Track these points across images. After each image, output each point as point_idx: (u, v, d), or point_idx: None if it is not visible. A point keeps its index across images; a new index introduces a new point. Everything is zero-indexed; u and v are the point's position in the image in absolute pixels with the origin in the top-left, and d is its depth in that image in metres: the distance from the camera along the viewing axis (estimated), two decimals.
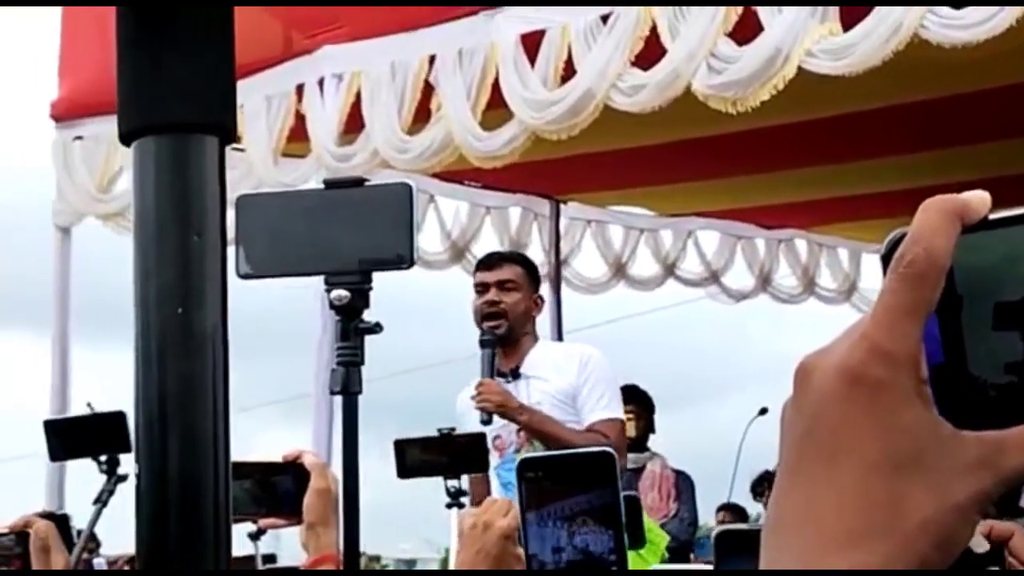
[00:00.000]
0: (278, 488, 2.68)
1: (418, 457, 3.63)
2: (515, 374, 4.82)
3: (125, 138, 1.06)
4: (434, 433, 3.77)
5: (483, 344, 4.79)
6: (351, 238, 2.27)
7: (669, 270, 8.82)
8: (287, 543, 2.88)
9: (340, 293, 2.28)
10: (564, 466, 1.86)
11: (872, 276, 9.41)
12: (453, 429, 3.84)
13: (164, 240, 1.04)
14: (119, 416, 3.62)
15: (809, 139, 6.73)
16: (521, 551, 2.48)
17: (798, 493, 0.68)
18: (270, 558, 4.76)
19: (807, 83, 4.90)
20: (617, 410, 4.76)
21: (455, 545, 2.65)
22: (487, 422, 4.64)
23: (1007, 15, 4.43)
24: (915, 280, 0.67)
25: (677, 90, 5.01)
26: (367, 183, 2.33)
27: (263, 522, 2.80)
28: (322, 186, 2.35)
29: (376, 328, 2.34)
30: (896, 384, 0.66)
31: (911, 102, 6.19)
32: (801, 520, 0.67)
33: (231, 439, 1.04)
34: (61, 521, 3.98)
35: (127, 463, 3.67)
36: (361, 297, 2.30)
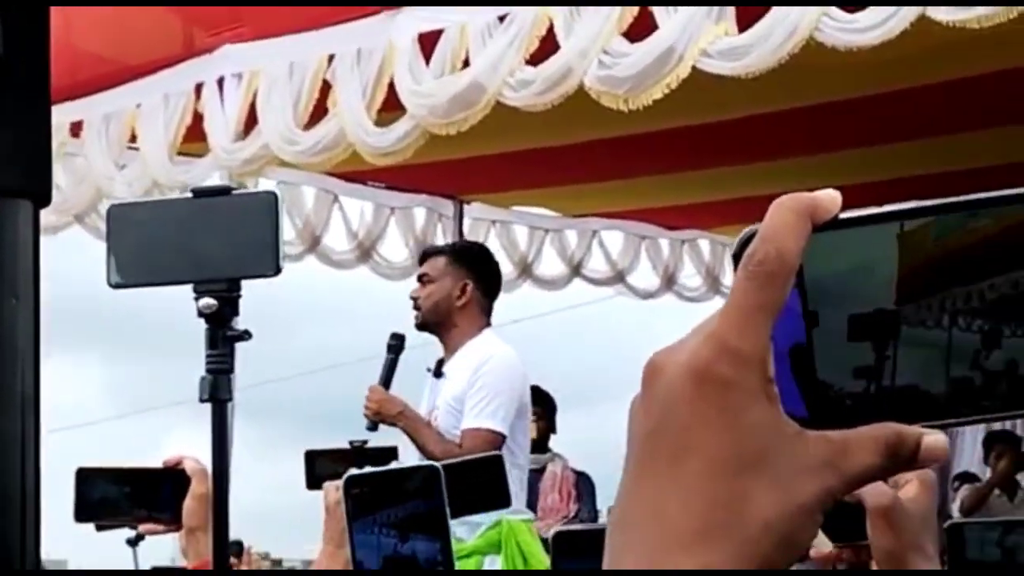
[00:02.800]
0: (158, 493, 2.68)
1: (328, 468, 3.60)
2: (439, 372, 4.79)
3: None
4: (345, 444, 3.75)
5: (387, 348, 4.77)
6: (219, 247, 2.27)
7: (575, 270, 8.84)
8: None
9: (208, 301, 2.28)
10: (390, 480, 1.87)
11: None
12: (365, 442, 3.81)
13: None
14: None
15: (710, 141, 6.77)
16: None
17: (644, 491, 0.67)
18: None
19: (706, 84, 4.92)
20: (491, 419, 4.62)
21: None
22: (372, 428, 4.64)
23: (900, 19, 4.48)
24: (765, 279, 0.67)
25: (569, 87, 4.99)
26: (234, 191, 2.34)
27: (143, 527, 2.79)
28: (190, 195, 2.34)
29: (245, 335, 2.34)
30: (743, 383, 0.66)
31: (809, 105, 6.25)
32: (646, 518, 0.66)
33: (41, 497, 1.03)
34: None
35: None
36: (229, 305, 2.30)
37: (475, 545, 4.58)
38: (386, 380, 4.73)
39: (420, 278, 4.91)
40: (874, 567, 1.72)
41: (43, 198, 1.06)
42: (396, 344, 4.78)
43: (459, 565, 4.47)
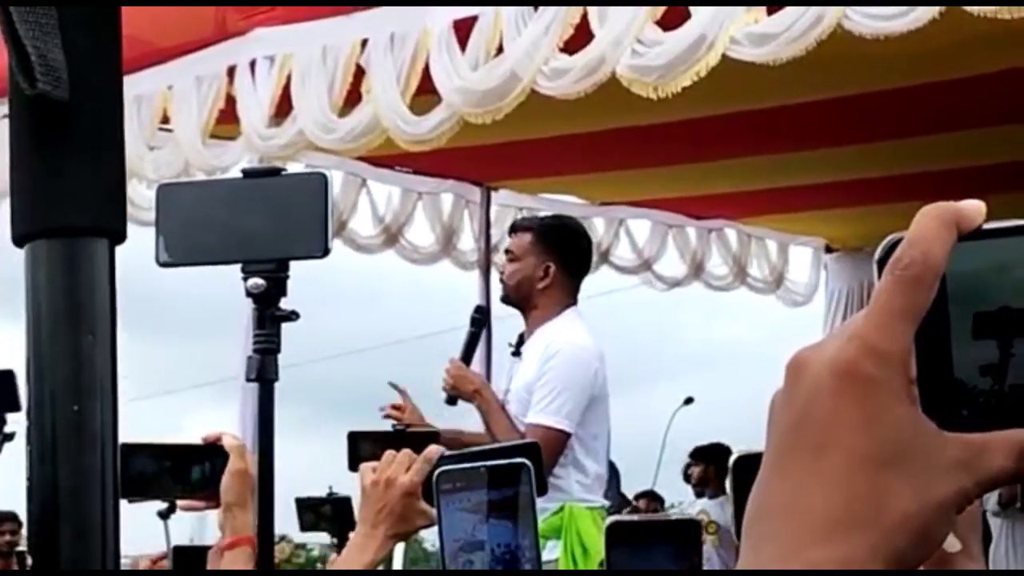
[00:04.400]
0: (197, 470, 2.70)
1: (370, 451, 3.64)
2: (517, 351, 4.75)
3: (18, 241, 1.08)
4: (388, 427, 3.77)
5: (470, 322, 4.74)
6: (268, 227, 2.30)
7: (603, 256, 8.85)
8: (213, 525, 2.90)
9: (256, 281, 2.31)
10: (481, 472, 1.90)
11: (799, 268, 9.51)
12: (408, 425, 3.83)
13: (58, 340, 1.06)
14: (7, 375, 3.62)
15: (737, 131, 6.77)
16: (425, 506, 2.52)
17: (784, 483, 0.69)
18: None
19: (736, 74, 4.93)
20: (553, 416, 4.52)
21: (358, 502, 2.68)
22: (450, 403, 4.63)
23: (928, 8, 4.48)
24: (911, 283, 0.69)
25: (602, 76, 4.98)
26: (284, 172, 2.37)
27: (182, 504, 2.82)
28: (240, 175, 2.37)
29: (292, 316, 2.37)
30: (886, 382, 0.68)
31: (837, 96, 6.25)
32: (786, 509, 0.69)
33: (120, 525, 1.07)
34: None
35: (14, 422, 3.70)
36: (277, 285, 2.33)
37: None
38: (466, 355, 4.68)
39: (506, 252, 4.86)
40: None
41: (118, 236, 1.09)
42: (479, 318, 4.74)
43: None
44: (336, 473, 3.94)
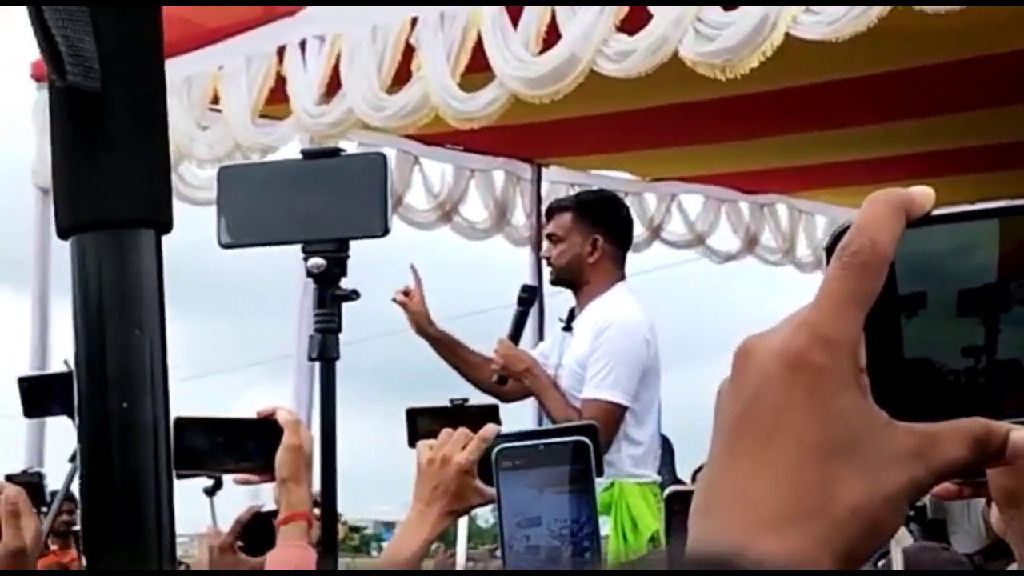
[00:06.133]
0: (252, 444, 2.69)
1: (428, 426, 3.63)
2: (569, 326, 4.75)
3: (63, 233, 1.07)
4: (446, 402, 3.76)
5: (518, 301, 4.75)
6: (328, 207, 2.32)
7: (655, 232, 8.81)
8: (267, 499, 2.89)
9: (317, 261, 2.32)
10: (541, 453, 1.90)
11: None
12: (466, 400, 3.83)
13: (107, 335, 1.05)
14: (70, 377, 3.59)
15: (791, 106, 6.73)
16: (480, 484, 2.53)
17: (733, 473, 0.68)
18: None
19: (791, 50, 4.89)
20: (609, 390, 4.52)
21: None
22: (501, 382, 4.63)
23: None
24: (859, 269, 0.68)
25: (664, 56, 4.96)
26: (343, 153, 2.38)
27: (237, 478, 2.81)
28: (300, 156, 2.38)
29: (353, 295, 2.38)
30: (836, 370, 0.67)
31: (891, 71, 6.19)
32: (735, 500, 0.67)
33: (175, 510, 1.06)
34: (35, 480, 3.98)
35: None
36: (338, 265, 2.34)
37: None
38: (515, 334, 4.68)
39: (549, 237, 4.85)
40: (994, 506, 1.71)
41: (164, 226, 1.07)
42: (527, 297, 4.74)
43: None
44: (391, 449, 3.93)
